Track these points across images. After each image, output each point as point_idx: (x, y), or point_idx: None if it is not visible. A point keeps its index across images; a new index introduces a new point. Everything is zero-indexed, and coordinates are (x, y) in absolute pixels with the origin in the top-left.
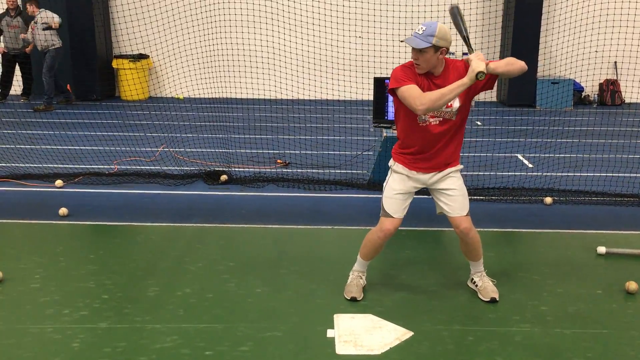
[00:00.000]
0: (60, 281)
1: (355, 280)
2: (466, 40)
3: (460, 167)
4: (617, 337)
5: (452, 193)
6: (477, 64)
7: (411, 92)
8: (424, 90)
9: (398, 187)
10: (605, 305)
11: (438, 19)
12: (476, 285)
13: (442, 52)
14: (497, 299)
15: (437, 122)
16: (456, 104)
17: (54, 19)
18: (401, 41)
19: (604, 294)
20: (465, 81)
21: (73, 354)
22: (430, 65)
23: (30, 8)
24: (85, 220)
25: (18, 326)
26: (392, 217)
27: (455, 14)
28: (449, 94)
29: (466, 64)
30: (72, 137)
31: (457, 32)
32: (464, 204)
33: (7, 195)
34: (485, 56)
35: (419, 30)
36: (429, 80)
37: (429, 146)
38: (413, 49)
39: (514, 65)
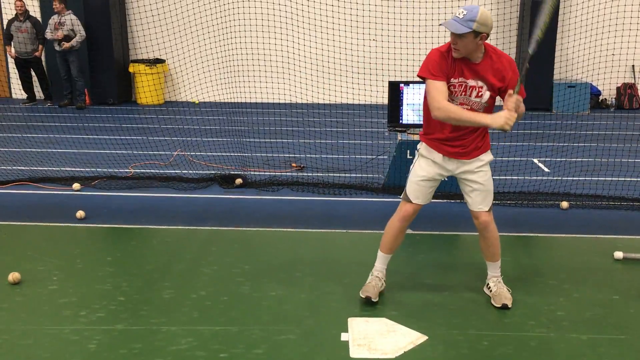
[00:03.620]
0: (78, 283)
1: (374, 281)
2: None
3: (490, 158)
4: (634, 342)
5: (477, 187)
6: (506, 122)
7: (437, 92)
8: (459, 75)
9: (423, 172)
10: (623, 311)
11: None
12: (490, 291)
13: (481, 37)
14: (509, 306)
15: (466, 109)
16: (485, 96)
17: (81, 32)
18: (440, 24)
19: (621, 299)
20: (488, 122)
21: (89, 355)
22: (468, 51)
23: (59, 6)
24: (102, 223)
25: (36, 327)
26: (412, 202)
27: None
28: (466, 121)
29: (505, 63)
30: (89, 141)
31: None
32: (485, 199)
33: (26, 197)
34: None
35: (459, 14)
36: (467, 66)
37: (455, 130)
38: (452, 33)
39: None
